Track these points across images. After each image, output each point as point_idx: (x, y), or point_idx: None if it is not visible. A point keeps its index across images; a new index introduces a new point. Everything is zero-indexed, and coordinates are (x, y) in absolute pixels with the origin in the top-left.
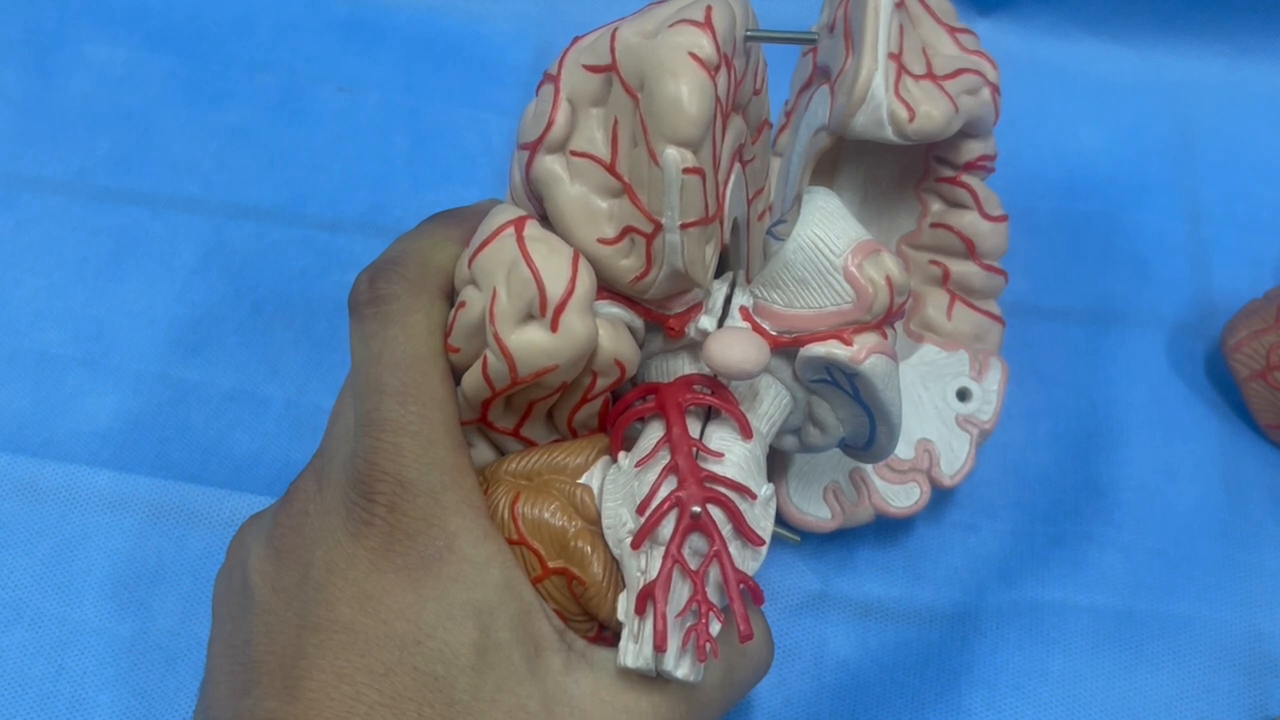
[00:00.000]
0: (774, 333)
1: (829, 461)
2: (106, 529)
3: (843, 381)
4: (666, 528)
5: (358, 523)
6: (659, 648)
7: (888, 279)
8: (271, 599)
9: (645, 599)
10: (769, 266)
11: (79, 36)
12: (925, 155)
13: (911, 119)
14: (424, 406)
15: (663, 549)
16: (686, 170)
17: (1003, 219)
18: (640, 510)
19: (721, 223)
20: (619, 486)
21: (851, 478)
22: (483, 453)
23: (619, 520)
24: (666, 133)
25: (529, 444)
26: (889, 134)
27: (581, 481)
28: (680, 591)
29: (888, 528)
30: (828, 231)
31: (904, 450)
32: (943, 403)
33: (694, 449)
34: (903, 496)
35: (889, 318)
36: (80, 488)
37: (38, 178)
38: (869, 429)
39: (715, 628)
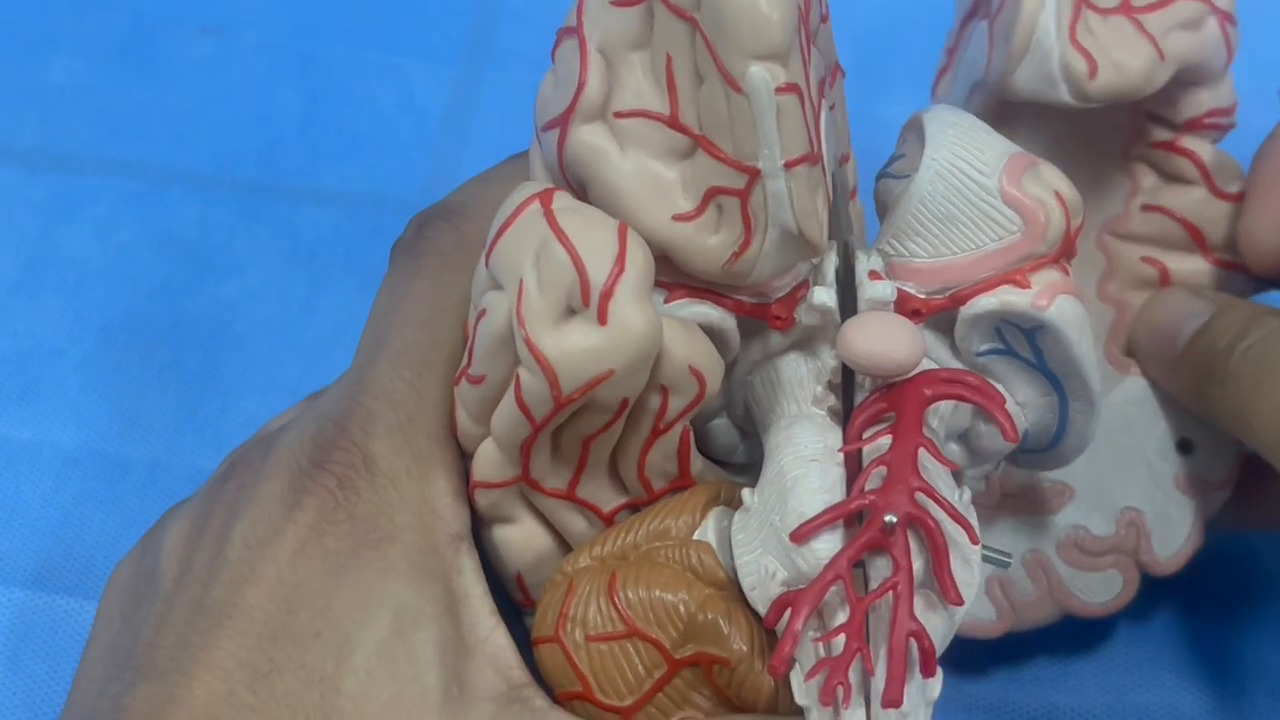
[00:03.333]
0: (922, 295)
1: (995, 541)
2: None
3: (1020, 346)
4: (831, 542)
5: (298, 492)
6: (774, 670)
7: (1057, 195)
8: (174, 586)
9: (782, 608)
10: (898, 212)
11: None
12: (1135, 111)
13: (1093, 74)
14: (419, 376)
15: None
16: (780, 89)
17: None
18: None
19: (824, 167)
20: (754, 532)
21: (1026, 563)
22: (531, 532)
23: (766, 573)
24: (745, 46)
25: (590, 509)
26: (1064, 95)
27: (695, 539)
28: (831, 616)
29: (1076, 631)
30: (968, 148)
31: (1101, 524)
32: (1156, 457)
33: (920, 448)
34: (1099, 588)
35: (1066, 247)
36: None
37: None
38: (1059, 412)
39: (855, 674)
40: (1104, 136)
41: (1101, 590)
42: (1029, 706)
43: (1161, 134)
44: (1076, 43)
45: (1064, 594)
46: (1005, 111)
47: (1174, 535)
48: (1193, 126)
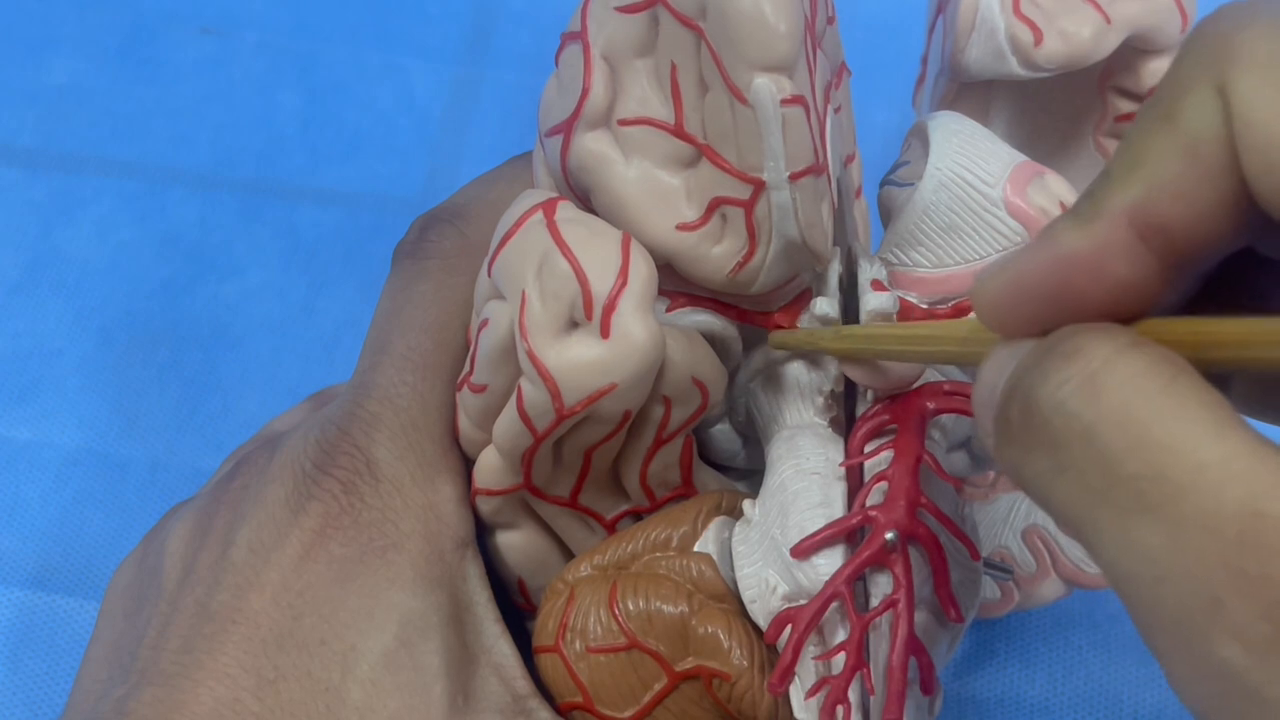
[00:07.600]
0: (924, 305)
1: (994, 518)
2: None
3: None
4: (832, 558)
5: (302, 496)
6: (774, 687)
7: (1062, 206)
8: (177, 588)
9: (782, 624)
10: (901, 221)
11: None
12: (1100, 87)
13: (1039, 42)
14: (423, 380)
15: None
16: (786, 101)
17: None
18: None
19: (829, 176)
20: (754, 545)
21: (1026, 539)
22: (533, 538)
23: (767, 586)
24: (751, 58)
25: (592, 516)
26: (1014, 67)
27: (696, 550)
28: (831, 633)
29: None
30: (972, 158)
31: None
32: None
33: (921, 462)
34: None
35: None
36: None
37: None
38: None
39: (855, 692)
40: (1075, 120)
41: None
42: (1032, 697)
43: (1126, 106)
44: (1020, 14)
45: (1066, 566)
46: (986, 97)
47: None
48: None
